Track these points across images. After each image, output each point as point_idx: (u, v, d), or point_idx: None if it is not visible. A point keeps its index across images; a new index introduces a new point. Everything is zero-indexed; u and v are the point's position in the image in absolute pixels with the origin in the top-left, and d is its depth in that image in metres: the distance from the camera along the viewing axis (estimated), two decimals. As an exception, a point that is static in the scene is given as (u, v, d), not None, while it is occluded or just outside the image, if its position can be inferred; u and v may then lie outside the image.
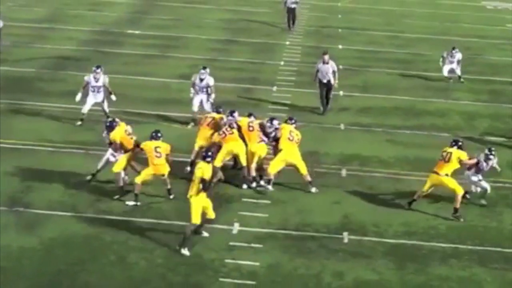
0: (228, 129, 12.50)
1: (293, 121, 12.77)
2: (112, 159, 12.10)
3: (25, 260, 10.00)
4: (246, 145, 12.65)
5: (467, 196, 12.26)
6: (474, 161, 12.03)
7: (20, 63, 19.67)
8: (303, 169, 12.43)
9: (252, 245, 10.68)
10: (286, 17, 25.33)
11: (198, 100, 15.38)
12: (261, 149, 12.64)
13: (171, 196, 11.93)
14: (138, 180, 11.71)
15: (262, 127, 12.76)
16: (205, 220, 10.49)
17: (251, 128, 12.66)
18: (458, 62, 19.48)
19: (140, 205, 11.71)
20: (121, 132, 11.90)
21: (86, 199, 11.85)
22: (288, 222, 11.49)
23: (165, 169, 11.75)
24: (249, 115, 12.96)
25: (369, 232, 11.28)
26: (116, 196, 11.78)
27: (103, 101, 15.13)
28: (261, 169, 12.73)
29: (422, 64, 21.51)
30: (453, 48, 19.56)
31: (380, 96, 18.41)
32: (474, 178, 12.16)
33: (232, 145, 12.44)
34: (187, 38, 23.54)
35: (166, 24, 25.33)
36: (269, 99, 17.62)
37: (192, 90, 15.49)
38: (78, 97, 14.96)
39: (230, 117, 12.80)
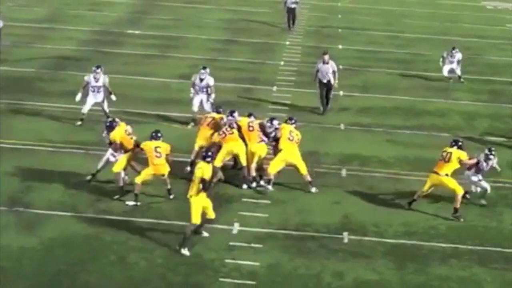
0: (228, 129, 12.51)
1: (293, 121, 12.78)
2: (112, 159, 12.10)
3: (25, 260, 10.01)
4: (246, 145, 12.66)
5: (467, 196, 12.27)
6: (474, 161, 12.04)
7: (20, 63, 19.68)
8: (303, 169, 12.44)
9: (252, 245, 10.69)
10: (286, 17, 25.35)
11: (198, 100, 15.39)
12: (261, 149, 12.65)
13: (171, 196, 11.94)
14: (138, 180, 11.72)
15: (262, 127, 12.77)
16: (205, 220, 10.50)
17: (251, 128, 12.67)
18: (458, 62, 19.50)
19: (140, 205, 11.72)
20: (121, 132, 11.91)
21: (86, 199, 11.86)
22: (288, 222, 11.50)
23: (165, 169, 11.76)
24: (249, 115, 12.96)
25: (369, 232, 11.29)
26: (116, 196, 11.80)
27: (103, 101, 15.14)
28: (261, 169, 12.73)
29: (422, 64, 21.52)
30: (453, 48, 19.58)
31: (380, 96, 18.42)
32: (474, 178, 12.17)
33: (232, 145, 12.45)
34: (187, 38, 23.55)
35: (166, 24, 25.34)
36: (269, 99, 17.63)
37: (192, 90, 15.50)
38: (78, 97, 14.97)
39: (230, 117, 12.80)
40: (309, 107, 16.94)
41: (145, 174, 11.74)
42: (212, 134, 12.79)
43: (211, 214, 10.48)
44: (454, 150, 11.87)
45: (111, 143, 12.07)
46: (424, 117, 17.00)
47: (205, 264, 10.12)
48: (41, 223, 11.01)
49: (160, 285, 9.60)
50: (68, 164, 13.09)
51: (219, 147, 12.58)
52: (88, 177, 12.30)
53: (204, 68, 15.62)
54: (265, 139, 12.66)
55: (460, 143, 12.01)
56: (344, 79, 18.20)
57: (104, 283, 9.60)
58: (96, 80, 14.97)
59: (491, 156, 12.05)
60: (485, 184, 12.17)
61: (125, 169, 11.98)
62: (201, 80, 15.38)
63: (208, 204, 10.39)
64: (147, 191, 11.96)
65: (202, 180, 10.13)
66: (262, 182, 12.49)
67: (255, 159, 12.63)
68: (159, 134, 11.83)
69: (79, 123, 15.04)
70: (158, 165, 11.67)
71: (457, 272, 10.29)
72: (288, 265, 10.25)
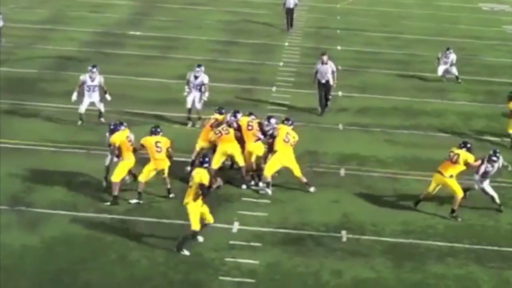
0: (225, 128, 12.53)
1: (290, 122, 12.75)
2: (115, 158, 12.15)
3: (27, 259, 10.08)
4: (244, 144, 12.70)
5: (467, 193, 12.20)
6: (479, 162, 11.94)
7: (22, 64, 19.79)
8: (297, 171, 12.46)
9: (252, 243, 10.77)
10: (285, 18, 25.47)
11: (192, 97, 15.48)
12: (258, 148, 12.70)
13: (171, 195, 12.03)
14: (142, 178, 11.80)
15: (260, 126, 12.83)
16: (203, 224, 10.46)
17: (249, 127, 12.73)
18: (453, 63, 19.66)
19: (141, 205, 11.80)
20: (122, 137, 11.83)
21: (87, 199, 11.93)
22: (287, 221, 11.59)
23: (166, 164, 11.85)
24: (249, 115, 13.04)
25: (367, 231, 11.37)
26: (107, 203, 11.67)
27: (99, 101, 15.19)
28: (260, 169, 12.77)
29: (420, 65, 21.63)
30: (448, 49, 19.75)
31: (378, 96, 18.53)
32: (484, 184, 11.99)
33: (226, 146, 12.44)
34: (187, 39, 23.66)
35: (166, 26, 25.45)
36: (269, 100, 17.73)
37: (186, 89, 15.57)
38: (74, 96, 15.02)
39: (232, 117, 12.87)
40: (308, 107, 17.04)
41: (147, 170, 11.82)
42: None
43: (210, 219, 10.48)
44: (462, 152, 11.85)
45: (110, 145, 12.15)
46: (421, 117, 17.10)
47: (205, 262, 10.20)
48: (42, 222, 11.09)
49: (161, 283, 9.67)
50: (69, 164, 13.18)
51: (215, 148, 12.59)
52: (104, 184, 12.07)
53: (199, 66, 15.70)
54: (261, 136, 12.66)
55: (469, 146, 11.97)
56: (343, 80, 18.30)
57: (105, 281, 9.67)
58: (92, 79, 15.05)
59: (495, 158, 11.98)
60: (491, 191, 12.08)
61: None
62: (196, 77, 15.49)
63: (206, 209, 10.38)
64: (147, 190, 12.03)
65: (201, 186, 10.09)
66: (261, 184, 12.53)
67: (253, 158, 12.71)
68: (158, 129, 11.95)
69: (80, 122, 15.12)
70: (159, 159, 11.77)
71: (454, 271, 10.37)
72: (287, 263, 10.33)
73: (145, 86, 18.41)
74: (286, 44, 23.64)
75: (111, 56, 20.97)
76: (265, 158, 12.74)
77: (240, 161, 12.54)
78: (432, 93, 19.05)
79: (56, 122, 15.47)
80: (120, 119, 13.11)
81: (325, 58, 16.77)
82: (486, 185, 12.09)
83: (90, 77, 15.06)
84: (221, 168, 12.66)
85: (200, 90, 15.47)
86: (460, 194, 11.81)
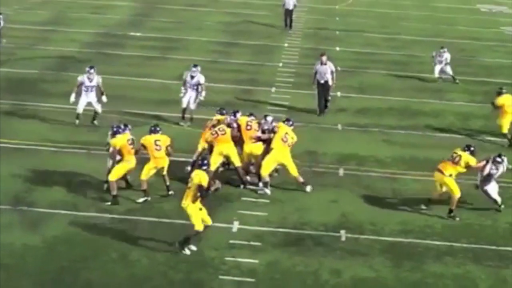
0: (221, 129, 12.56)
1: (290, 123, 12.78)
2: (117, 157, 12.19)
3: (28, 258, 10.13)
4: (243, 144, 12.73)
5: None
6: (482, 164, 11.98)
7: (23, 64, 19.86)
8: (293, 171, 12.49)
9: (252, 243, 10.82)
10: (283, 18, 25.56)
11: (187, 97, 15.56)
12: (256, 148, 12.76)
13: (170, 192, 12.09)
14: (143, 176, 11.87)
15: (259, 125, 12.86)
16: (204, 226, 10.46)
17: (248, 127, 12.79)
18: (447, 62, 19.78)
19: (142, 204, 11.86)
20: (123, 140, 11.83)
21: (88, 198, 11.99)
22: (287, 220, 11.64)
23: (165, 162, 11.93)
24: (250, 115, 13.11)
25: (366, 230, 11.43)
26: (107, 203, 11.74)
27: (97, 101, 15.24)
28: (255, 167, 12.82)
29: (418, 65, 21.72)
30: (441, 48, 19.90)
31: (376, 97, 18.62)
32: (488, 186, 11.98)
33: (222, 147, 12.46)
34: (187, 40, 23.73)
35: (167, 27, 25.52)
36: (268, 100, 17.81)
37: (183, 89, 15.63)
38: (72, 97, 15.07)
39: (232, 117, 12.94)
40: (307, 108, 17.11)
41: (148, 168, 11.88)
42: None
43: (208, 221, 10.50)
44: (464, 154, 11.88)
45: (106, 146, 12.14)
46: (419, 117, 17.18)
47: (206, 262, 10.25)
48: (43, 221, 11.14)
49: (162, 283, 9.72)
50: (70, 164, 13.24)
51: (211, 149, 12.61)
52: (105, 186, 12.06)
53: (195, 65, 15.78)
54: (260, 134, 12.67)
55: (472, 149, 12.01)
56: (342, 80, 18.37)
57: (106, 280, 9.72)
58: (90, 80, 15.11)
59: (499, 159, 12.00)
60: (495, 195, 12.10)
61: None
62: (192, 77, 15.57)
63: (204, 211, 10.40)
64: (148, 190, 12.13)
65: (200, 188, 10.12)
66: (260, 185, 12.58)
67: (252, 159, 12.78)
68: (158, 128, 12.03)
69: (77, 122, 15.15)
70: (159, 158, 11.85)
71: (452, 270, 10.43)
72: (287, 262, 10.38)
73: (146, 87, 18.49)
74: (286, 45, 23.72)
75: (111, 57, 21.05)
76: (263, 157, 12.78)
77: (236, 162, 12.57)
78: (430, 94, 19.14)
79: (56, 123, 15.53)
80: (121, 120, 13.18)
81: (324, 58, 16.85)
82: (491, 188, 12.09)
83: (88, 78, 15.13)
84: (218, 169, 12.73)
85: (196, 90, 15.55)
86: (457, 194, 11.86)
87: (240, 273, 10.03)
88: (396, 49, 24.01)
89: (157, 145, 11.87)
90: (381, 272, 10.29)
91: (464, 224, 11.85)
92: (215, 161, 12.47)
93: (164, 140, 11.98)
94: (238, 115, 13.02)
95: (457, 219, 11.94)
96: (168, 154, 11.99)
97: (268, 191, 12.47)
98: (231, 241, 10.85)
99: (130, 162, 11.85)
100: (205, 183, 10.15)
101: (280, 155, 12.43)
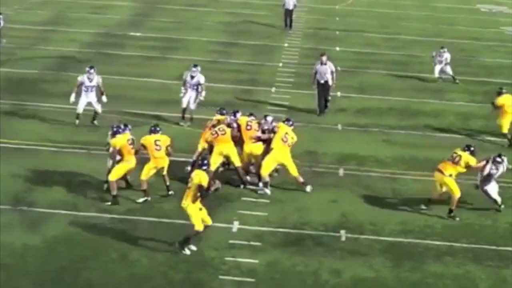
0: (221, 129, 12.57)
1: (290, 123, 12.80)
2: (117, 157, 12.20)
3: (28, 258, 10.15)
4: (243, 144, 12.75)
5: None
6: (482, 164, 11.98)
7: (23, 64, 19.88)
8: (293, 170, 12.50)
9: (252, 243, 10.83)
10: (283, 18, 25.58)
11: (187, 97, 15.58)
12: (256, 148, 12.77)
13: (170, 192, 12.11)
14: (143, 176, 11.88)
15: (259, 125, 12.87)
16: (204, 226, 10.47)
17: (248, 127, 12.81)
18: (447, 61, 19.81)
19: (142, 204, 11.88)
20: (123, 141, 11.84)
21: (88, 198, 12.01)
22: (287, 220, 11.66)
23: (165, 162, 11.95)
24: (250, 115, 13.12)
25: (366, 230, 11.44)
26: (107, 203, 11.75)
27: (97, 101, 15.24)
28: (255, 167, 12.83)
29: (418, 65, 21.74)
30: (441, 48, 19.93)
31: (376, 97, 18.63)
32: (488, 186, 11.99)
33: (222, 147, 12.47)
34: (187, 40, 23.75)
35: (167, 27, 25.55)
36: (268, 100, 17.82)
37: (182, 89, 15.64)
38: (72, 97, 15.08)
39: (232, 117, 12.95)
40: (307, 108, 17.13)
41: (147, 168, 11.90)
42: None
43: (208, 221, 10.51)
44: (464, 154, 11.89)
45: (106, 145, 12.15)
46: (419, 117, 17.19)
47: (206, 262, 10.26)
48: (43, 221, 11.15)
49: (162, 283, 9.73)
50: (70, 164, 13.25)
51: (211, 149, 12.61)
52: (105, 186, 12.08)
53: (195, 65, 15.80)
54: (260, 134, 12.68)
55: (472, 149, 12.02)
56: (342, 80, 18.39)
57: (106, 280, 9.73)
58: (90, 80, 15.12)
59: (499, 159, 12.01)
60: (495, 195, 12.11)
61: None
62: (192, 77, 15.59)
63: (204, 211, 10.41)
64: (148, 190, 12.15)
65: (200, 188, 10.12)
66: (260, 185, 12.59)
67: (252, 159, 12.78)
68: (157, 128, 12.05)
69: (77, 122, 15.15)
70: (158, 158, 11.87)
71: (452, 270, 10.44)
72: (287, 262, 10.39)
73: (146, 87, 18.50)
74: (286, 45, 23.74)
75: (111, 57, 21.07)
76: (263, 157, 12.80)
77: (236, 162, 12.58)
78: (430, 94, 19.15)
79: (56, 123, 15.54)
80: (122, 120, 13.19)
81: (324, 58, 16.87)
82: (491, 188, 12.09)
83: (88, 78, 15.15)
84: (218, 169, 12.74)
85: (196, 90, 15.57)
86: (457, 194, 11.87)
87: (240, 273, 10.04)
88: (396, 49, 24.03)
89: (157, 145, 11.89)
90: (381, 272, 10.31)
91: (464, 224, 11.86)
92: (215, 161, 12.48)
93: (164, 140, 12.00)
94: (238, 115, 13.05)
95: (457, 219, 11.96)
96: (168, 154, 12.02)
97: (268, 191, 12.49)
98: (231, 241, 10.86)
99: (130, 162, 11.87)
100: (205, 183, 10.16)
101: (280, 155, 12.45)
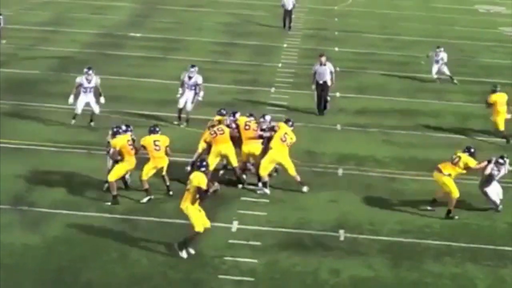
0: (220, 129, 12.59)
1: (290, 123, 12.84)
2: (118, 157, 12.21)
3: (28, 257, 10.17)
4: (241, 144, 12.77)
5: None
6: (483, 164, 11.99)
7: (24, 65, 19.93)
8: (291, 170, 12.53)
9: (251, 242, 10.85)
10: (282, 18, 25.63)
11: (185, 97, 15.60)
12: (255, 148, 12.79)
13: (170, 193, 12.14)
14: (144, 176, 11.92)
15: (258, 125, 12.90)
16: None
17: (247, 127, 12.85)
18: (444, 61, 19.84)
19: (142, 204, 11.92)
20: (123, 141, 11.86)
21: (88, 198, 12.04)
22: (286, 220, 11.68)
23: (165, 162, 12.00)
24: (249, 116, 13.15)
25: (365, 230, 11.47)
26: (108, 203, 11.77)
27: (95, 102, 15.28)
28: (253, 167, 12.86)
29: (417, 66, 21.75)
30: (438, 47, 19.97)
31: (375, 97, 18.67)
32: (488, 188, 11.99)
33: (221, 147, 12.50)
34: (187, 41, 23.80)
35: (167, 27, 25.60)
36: (267, 100, 17.86)
37: (180, 90, 15.65)
38: (71, 99, 15.13)
39: (231, 117, 12.99)
40: (306, 108, 17.17)
41: (147, 168, 11.94)
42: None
43: (207, 223, 10.47)
44: (463, 156, 11.91)
45: (107, 146, 12.17)
46: (418, 117, 17.23)
47: (205, 261, 10.28)
48: (44, 221, 11.17)
49: (161, 282, 9.75)
50: (70, 164, 13.28)
51: (209, 149, 12.64)
52: (105, 186, 12.09)
53: (193, 66, 15.82)
54: (261, 132, 12.67)
55: (472, 150, 12.04)
56: (341, 81, 18.43)
57: (106, 280, 9.75)
58: (89, 81, 15.16)
59: (501, 161, 12.01)
60: (495, 197, 12.12)
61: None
62: (190, 78, 15.61)
63: (202, 213, 10.40)
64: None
65: (199, 189, 10.11)
66: (259, 185, 12.61)
67: (251, 159, 12.81)
68: (157, 129, 12.11)
69: (73, 121, 15.17)
70: (158, 158, 11.92)
71: (451, 269, 10.46)
72: (286, 262, 10.42)
73: (146, 87, 18.55)
74: (285, 45, 23.79)
75: (112, 58, 21.11)
76: (262, 157, 12.83)
77: (234, 162, 12.60)
78: (429, 94, 19.20)
79: (57, 123, 15.58)
80: (123, 121, 13.23)
81: (323, 59, 16.92)
82: (490, 190, 12.09)
83: (87, 79, 15.19)
84: (219, 172, 12.77)
85: (194, 90, 15.60)
86: (456, 194, 11.89)
87: (240, 273, 10.06)
88: (395, 49, 24.08)
89: (156, 145, 11.94)
90: (380, 271, 10.33)
91: (462, 224, 11.89)
92: (213, 161, 12.51)
93: (163, 140, 12.05)
94: (237, 115, 13.08)
95: (456, 217, 11.98)
96: (167, 154, 12.06)
97: (267, 191, 12.53)
98: (230, 241, 10.89)
99: (129, 162, 11.91)
100: (203, 185, 10.16)
101: (279, 155, 12.49)
